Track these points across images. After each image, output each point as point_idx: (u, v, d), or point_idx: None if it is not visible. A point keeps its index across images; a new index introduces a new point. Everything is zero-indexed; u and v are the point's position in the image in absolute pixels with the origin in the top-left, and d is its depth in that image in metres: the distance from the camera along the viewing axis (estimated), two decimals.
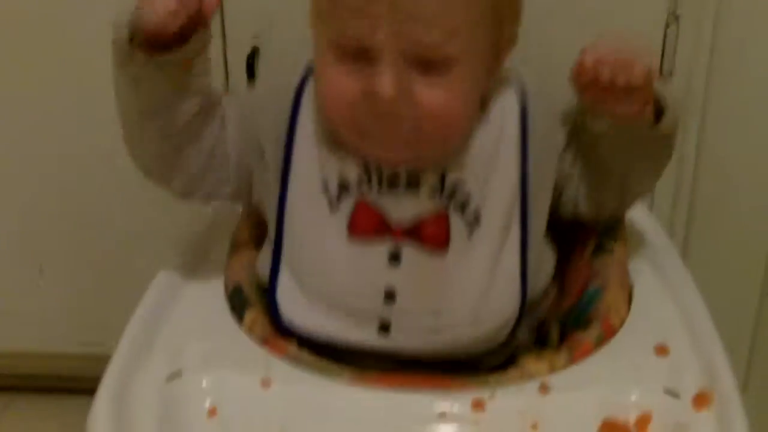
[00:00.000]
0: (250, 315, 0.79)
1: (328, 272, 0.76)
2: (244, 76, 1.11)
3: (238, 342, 0.76)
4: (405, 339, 0.76)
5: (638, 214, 0.92)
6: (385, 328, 0.76)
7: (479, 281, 0.76)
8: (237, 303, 0.80)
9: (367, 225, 0.76)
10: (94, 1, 1.07)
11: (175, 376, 0.73)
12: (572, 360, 0.74)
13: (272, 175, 0.78)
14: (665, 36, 1.09)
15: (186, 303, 0.81)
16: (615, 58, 0.70)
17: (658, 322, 0.79)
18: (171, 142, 0.76)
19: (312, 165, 0.77)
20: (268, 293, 0.78)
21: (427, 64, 0.69)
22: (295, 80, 0.79)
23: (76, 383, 1.33)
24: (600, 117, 0.76)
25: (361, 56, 0.69)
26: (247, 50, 1.10)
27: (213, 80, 0.79)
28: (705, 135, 1.13)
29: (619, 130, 0.76)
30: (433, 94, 0.70)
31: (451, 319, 0.76)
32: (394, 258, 0.76)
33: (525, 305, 0.77)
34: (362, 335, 0.76)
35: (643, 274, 0.85)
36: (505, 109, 0.77)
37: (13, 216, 1.28)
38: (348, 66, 0.70)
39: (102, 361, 0.75)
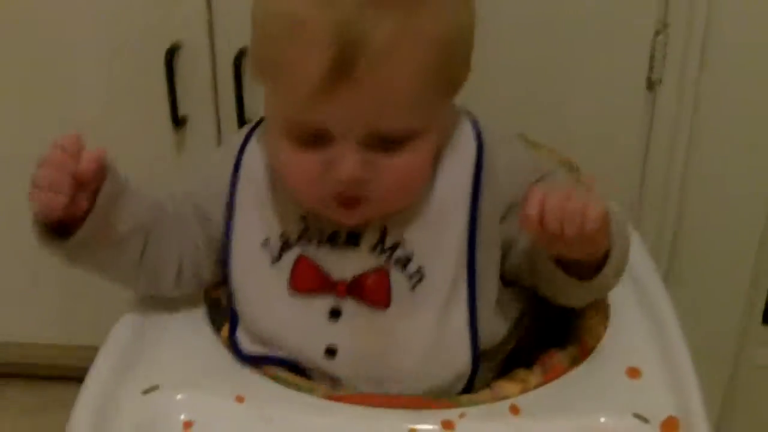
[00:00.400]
0: (226, 329, 0.80)
1: (274, 325, 0.77)
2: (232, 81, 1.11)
3: (215, 356, 0.78)
4: (355, 387, 0.76)
5: None
6: (333, 378, 0.77)
7: (425, 337, 0.75)
8: (215, 316, 0.81)
9: (307, 280, 0.75)
10: None
11: (152, 389, 0.74)
12: (545, 381, 0.75)
13: (217, 233, 0.79)
14: (654, 44, 1.09)
15: (166, 314, 0.81)
16: (563, 208, 0.66)
17: (632, 345, 0.80)
18: (139, 272, 0.77)
19: (254, 222, 0.77)
20: (229, 333, 0.79)
21: (388, 141, 0.68)
22: (237, 143, 0.79)
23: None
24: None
25: (319, 136, 0.68)
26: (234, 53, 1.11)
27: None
28: (693, 147, 1.13)
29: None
30: (395, 165, 0.69)
31: (395, 374, 0.76)
32: (334, 314, 0.76)
33: (478, 358, 0.76)
34: (315, 380, 0.77)
35: (622, 296, 0.84)
36: (459, 161, 0.76)
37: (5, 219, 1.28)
38: (306, 146, 0.69)
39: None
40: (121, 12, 1.11)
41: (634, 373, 0.76)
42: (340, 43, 0.63)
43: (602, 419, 0.72)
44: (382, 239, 0.75)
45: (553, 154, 0.94)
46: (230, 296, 0.79)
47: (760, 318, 1.21)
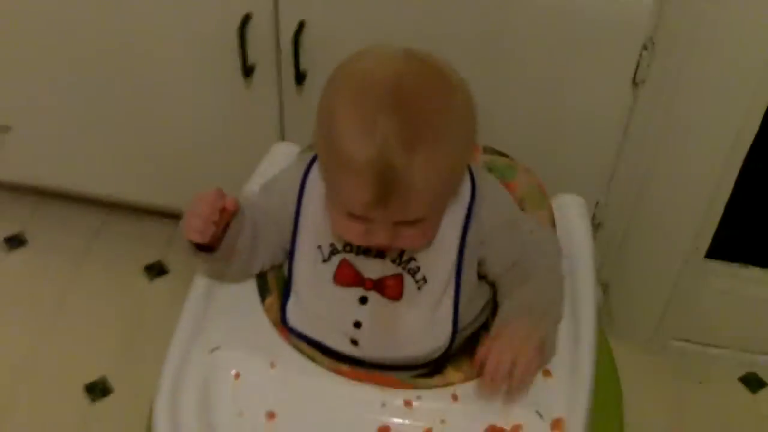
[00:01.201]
0: (269, 300, 1.12)
1: (320, 303, 1.09)
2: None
3: (259, 325, 1.10)
4: (369, 351, 1.10)
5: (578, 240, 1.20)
6: (355, 342, 1.10)
7: (422, 320, 1.08)
8: (262, 287, 1.13)
9: (345, 276, 1.08)
10: None
11: (214, 349, 1.08)
12: (479, 374, 1.04)
13: (287, 238, 1.09)
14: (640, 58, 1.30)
15: (227, 288, 1.13)
16: (496, 369, 0.98)
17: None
18: (241, 267, 1.10)
19: (312, 233, 1.08)
20: (280, 307, 1.11)
21: (409, 223, 0.98)
22: (299, 177, 1.08)
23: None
24: None
25: (361, 217, 0.98)
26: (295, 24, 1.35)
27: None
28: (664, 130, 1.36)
29: None
30: (414, 234, 1.00)
31: (400, 343, 1.09)
32: (363, 301, 1.08)
33: (455, 335, 1.09)
34: (341, 345, 1.10)
35: None
36: (458, 202, 1.06)
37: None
38: (352, 218, 0.98)
39: None
40: None
41: (547, 374, 1.07)
42: (380, 181, 0.92)
43: (514, 410, 1.02)
44: (400, 256, 1.06)
45: (530, 173, 1.20)
46: (287, 280, 1.11)
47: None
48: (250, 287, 1.14)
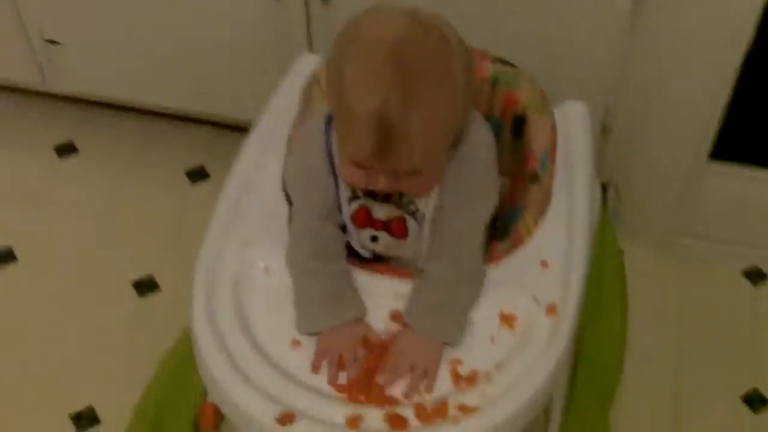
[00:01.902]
0: None
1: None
2: None
3: (286, 223, 1.22)
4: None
5: (577, 141, 1.30)
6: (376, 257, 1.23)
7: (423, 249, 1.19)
8: (287, 194, 1.25)
9: (360, 219, 1.19)
10: None
11: (246, 244, 1.20)
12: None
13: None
14: None
15: (259, 190, 1.24)
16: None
17: (551, 242, 1.19)
18: None
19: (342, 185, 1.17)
20: None
21: (408, 173, 1.07)
22: (321, 136, 1.17)
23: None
24: None
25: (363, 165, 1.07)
26: None
27: None
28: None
29: None
30: (413, 184, 1.09)
31: (412, 257, 1.21)
32: (374, 239, 1.20)
33: None
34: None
35: (558, 200, 1.23)
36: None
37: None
38: (356, 166, 1.08)
39: None
40: None
41: (545, 265, 1.18)
42: (378, 134, 1.02)
43: (513, 297, 1.15)
44: (400, 197, 1.16)
45: (533, 81, 1.29)
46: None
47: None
48: (279, 193, 1.25)
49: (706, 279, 1.70)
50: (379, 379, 1.10)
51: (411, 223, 1.18)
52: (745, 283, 1.70)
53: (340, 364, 1.10)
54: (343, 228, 1.20)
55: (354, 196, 1.18)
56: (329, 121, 1.17)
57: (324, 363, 1.11)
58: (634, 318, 1.63)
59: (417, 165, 1.07)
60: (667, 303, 1.67)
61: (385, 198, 1.17)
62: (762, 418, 1.55)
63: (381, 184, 1.09)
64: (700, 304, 1.67)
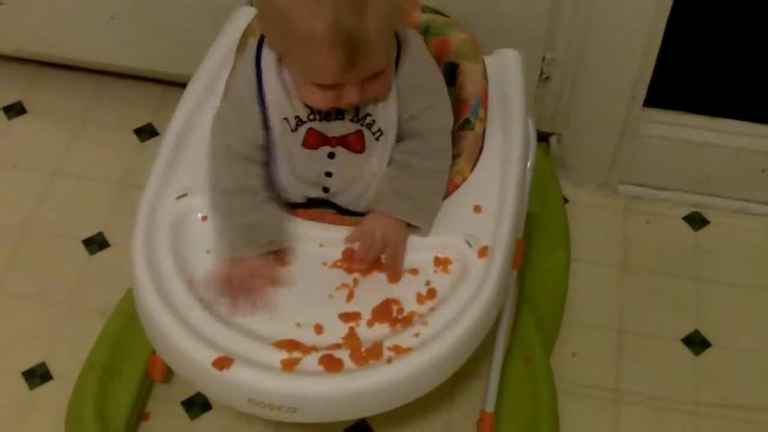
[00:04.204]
0: None
1: (294, 162, 1.22)
2: None
3: None
4: (338, 197, 1.24)
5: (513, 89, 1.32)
6: (326, 190, 1.24)
7: (381, 165, 1.21)
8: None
9: (313, 141, 1.20)
10: None
11: (182, 195, 1.22)
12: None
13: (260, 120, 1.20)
14: None
15: (200, 134, 1.26)
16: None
17: (484, 187, 1.22)
18: None
19: (277, 110, 1.18)
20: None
21: (374, 76, 1.09)
22: (252, 64, 1.17)
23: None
24: None
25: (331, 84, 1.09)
26: None
27: None
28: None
29: None
30: (378, 85, 1.12)
31: (363, 183, 1.23)
32: (331, 156, 1.21)
33: None
34: (313, 193, 1.24)
35: (491, 146, 1.26)
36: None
37: None
38: (324, 88, 1.09)
39: None
40: None
41: (478, 209, 1.21)
42: (346, 47, 1.04)
43: (447, 239, 1.18)
44: (356, 113, 1.18)
45: (465, 30, 1.31)
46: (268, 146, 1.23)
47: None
48: None
49: (649, 224, 1.73)
50: (357, 260, 1.16)
51: (368, 135, 1.20)
52: (687, 228, 1.74)
53: (237, 293, 1.14)
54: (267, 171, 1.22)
55: (299, 122, 1.19)
56: (258, 61, 1.18)
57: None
58: (578, 263, 1.66)
59: (382, 64, 1.09)
60: (610, 248, 1.70)
61: (339, 115, 1.18)
62: (702, 360, 1.58)
63: (350, 97, 1.11)
64: (643, 249, 1.70)
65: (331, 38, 1.03)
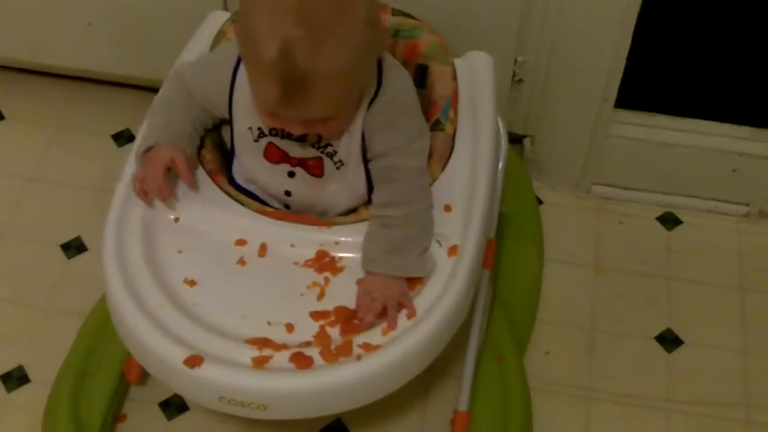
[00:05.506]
0: (203, 152, 1.27)
1: (255, 173, 1.24)
2: None
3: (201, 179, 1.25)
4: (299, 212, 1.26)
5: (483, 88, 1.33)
6: (287, 207, 1.26)
7: (343, 194, 1.23)
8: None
9: (273, 156, 1.21)
10: None
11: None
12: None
13: (220, 111, 1.23)
14: None
15: None
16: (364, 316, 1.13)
17: (454, 187, 1.23)
18: None
19: (243, 115, 1.20)
20: (226, 167, 1.27)
21: (319, 119, 1.10)
22: (233, 60, 1.19)
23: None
24: None
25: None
26: None
27: None
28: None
29: None
30: (325, 128, 1.13)
31: (325, 210, 1.25)
32: (291, 175, 1.22)
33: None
34: (277, 205, 1.26)
35: (462, 147, 1.27)
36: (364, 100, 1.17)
37: None
38: (268, 112, 1.11)
39: None
40: None
41: (448, 209, 1.22)
42: (284, 83, 1.05)
43: None
44: (318, 141, 1.19)
45: (434, 33, 1.33)
46: (231, 145, 1.25)
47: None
48: None
49: (622, 225, 1.75)
50: (357, 320, 1.14)
51: (328, 163, 1.21)
52: (659, 228, 1.75)
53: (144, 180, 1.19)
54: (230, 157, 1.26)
55: (261, 134, 1.20)
56: (236, 67, 1.20)
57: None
58: (551, 262, 1.68)
59: (329, 112, 1.10)
60: (583, 248, 1.72)
61: (300, 138, 1.18)
62: (674, 357, 1.60)
63: (292, 130, 1.12)
64: (615, 249, 1.72)
65: (270, 68, 1.04)
